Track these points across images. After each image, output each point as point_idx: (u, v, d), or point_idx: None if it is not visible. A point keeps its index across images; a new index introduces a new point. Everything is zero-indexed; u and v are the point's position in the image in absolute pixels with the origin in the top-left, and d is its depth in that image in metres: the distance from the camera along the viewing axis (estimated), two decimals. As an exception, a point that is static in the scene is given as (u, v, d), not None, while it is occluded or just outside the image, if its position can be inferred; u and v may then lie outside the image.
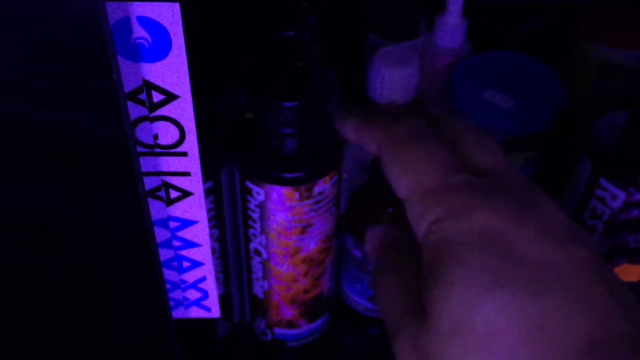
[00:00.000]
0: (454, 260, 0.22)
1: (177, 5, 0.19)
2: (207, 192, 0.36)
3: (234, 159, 0.36)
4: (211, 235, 0.38)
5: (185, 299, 0.30)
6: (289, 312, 0.43)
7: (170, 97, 0.22)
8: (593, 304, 0.21)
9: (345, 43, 0.55)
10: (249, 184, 0.36)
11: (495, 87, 0.49)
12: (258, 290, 0.42)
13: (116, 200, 0.21)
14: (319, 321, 0.45)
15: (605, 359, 0.20)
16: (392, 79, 0.49)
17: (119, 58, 0.20)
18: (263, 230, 0.38)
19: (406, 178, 0.25)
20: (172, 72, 0.21)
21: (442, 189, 0.24)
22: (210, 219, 0.37)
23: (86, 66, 0.18)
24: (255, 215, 0.37)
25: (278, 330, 0.44)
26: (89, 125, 0.19)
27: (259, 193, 0.36)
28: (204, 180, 0.35)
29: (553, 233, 0.22)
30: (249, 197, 0.37)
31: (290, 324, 0.44)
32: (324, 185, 0.36)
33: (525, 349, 0.21)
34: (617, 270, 0.40)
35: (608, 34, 0.52)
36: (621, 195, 0.36)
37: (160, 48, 0.20)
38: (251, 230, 0.38)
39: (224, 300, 0.43)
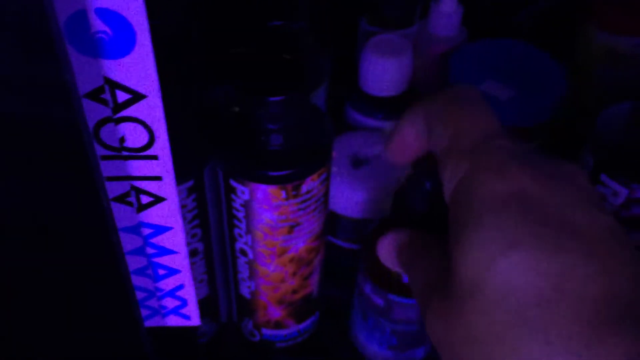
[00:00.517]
0: (476, 219, 0.22)
1: (139, -4, 0.17)
2: (189, 191, 0.34)
3: (217, 156, 0.34)
4: (194, 235, 0.37)
5: (162, 307, 0.28)
6: (277, 313, 0.41)
7: (136, 96, 0.20)
8: (612, 267, 0.21)
9: (337, 30, 0.53)
10: (233, 182, 0.34)
11: (494, 77, 0.47)
12: (245, 290, 0.40)
13: (77, 205, 0.20)
14: (308, 321, 0.43)
15: (618, 322, 0.20)
16: (385, 69, 0.47)
17: (77, 54, 0.18)
18: (249, 230, 0.36)
19: (446, 132, 0.24)
20: (137, 69, 0.19)
21: (478, 149, 0.23)
22: (192, 219, 0.36)
23: (36, 66, 0.16)
24: (240, 215, 0.36)
25: (266, 331, 0.42)
26: (43, 126, 0.18)
27: (243, 192, 0.34)
28: (186, 179, 0.34)
29: (581, 200, 0.22)
30: (233, 196, 0.35)
31: (278, 325, 0.42)
32: (311, 183, 0.34)
33: (539, 307, 0.20)
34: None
35: (611, 21, 0.50)
36: (623, 192, 0.35)
37: (123, 43, 0.19)
38: (236, 230, 0.37)
39: (209, 301, 0.41)
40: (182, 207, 0.34)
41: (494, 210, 0.22)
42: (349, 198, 0.46)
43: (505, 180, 0.22)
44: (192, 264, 0.38)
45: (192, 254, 0.37)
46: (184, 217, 0.35)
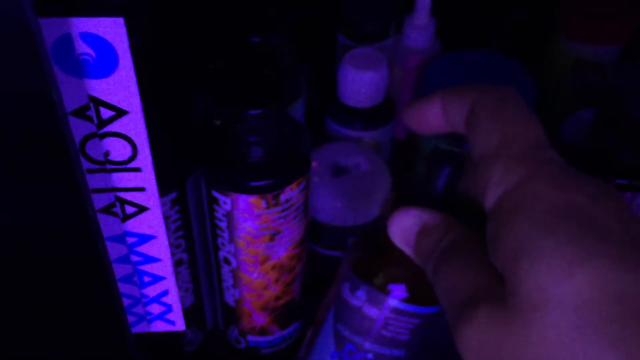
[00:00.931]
0: (541, 230, 0.21)
1: (120, 20, 0.19)
2: (172, 203, 0.35)
3: (199, 168, 0.36)
4: (178, 246, 0.38)
5: (148, 313, 0.29)
6: (261, 320, 0.42)
7: (119, 112, 0.21)
8: None
9: (316, 45, 0.55)
10: (215, 193, 0.35)
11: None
12: (229, 298, 0.41)
13: (65, 216, 0.21)
14: (292, 328, 0.44)
15: None
16: (362, 82, 0.49)
17: (63, 75, 0.20)
18: (231, 239, 0.37)
19: (495, 132, 0.24)
20: (120, 87, 0.20)
21: (533, 158, 0.23)
22: (177, 229, 0.37)
23: (25, 85, 0.17)
24: (223, 225, 0.37)
25: (251, 338, 0.44)
26: (32, 142, 0.19)
27: (225, 202, 0.35)
28: (169, 191, 0.35)
29: (629, 216, 0.22)
30: (215, 207, 0.36)
31: (263, 331, 0.43)
32: (291, 193, 0.36)
33: (618, 321, 0.20)
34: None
35: (582, 31, 0.52)
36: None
37: (106, 64, 0.20)
38: (219, 239, 0.38)
39: (195, 309, 0.42)
40: (166, 218, 0.36)
41: (559, 222, 0.21)
42: (330, 206, 0.47)
43: (566, 192, 0.22)
44: (177, 273, 0.39)
45: (177, 263, 0.39)
46: (168, 228, 0.36)
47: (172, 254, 0.38)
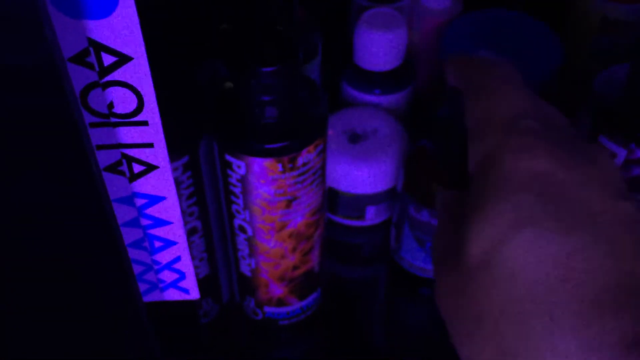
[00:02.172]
0: (495, 195, 0.22)
1: (120, -48, 0.17)
2: (184, 167, 0.34)
3: (212, 130, 0.34)
4: (192, 214, 0.36)
5: (161, 280, 0.28)
6: (279, 290, 0.41)
7: (122, 59, 0.20)
8: (623, 253, 0.21)
9: (330, 5, 0.52)
10: (228, 157, 0.34)
11: (489, 48, 0.47)
12: (245, 268, 0.40)
13: (67, 177, 0.19)
14: (311, 298, 0.43)
15: (621, 305, 0.20)
16: (379, 44, 0.47)
17: (60, 15, 0.18)
18: (246, 206, 0.36)
19: (478, 105, 0.25)
20: (121, 29, 0.19)
21: (507, 127, 0.24)
22: (189, 196, 0.35)
23: (16, 29, 0.16)
24: (237, 190, 0.35)
25: (268, 309, 0.42)
26: (26, 95, 0.17)
27: (239, 166, 0.34)
28: (180, 155, 0.33)
29: (602, 185, 0.22)
30: (229, 172, 0.35)
31: (280, 302, 0.42)
32: (308, 156, 0.34)
33: (546, 286, 0.21)
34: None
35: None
36: (622, 153, 0.34)
37: (105, 2, 0.18)
38: (234, 206, 0.36)
39: (210, 280, 0.41)
40: (178, 183, 0.34)
41: (514, 187, 0.22)
42: (347, 174, 0.46)
43: (529, 160, 0.22)
44: (191, 242, 0.38)
45: (191, 232, 0.37)
46: (180, 195, 0.35)
47: (185, 222, 0.36)
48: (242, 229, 0.37)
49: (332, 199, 0.48)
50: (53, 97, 0.18)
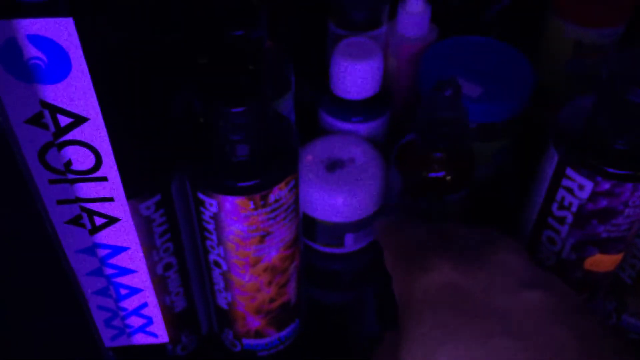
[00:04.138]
0: (415, 315, 0.25)
1: (70, 21, 0.17)
2: (157, 206, 0.34)
3: (184, 168, 0.34)
4: (167, 250, 0.37)
5: (128, 326, 0.28)
6: (256, 322, 0.41)
7: (78, 119, 0.20)
8: (535, 343, 0.23)
9: (304, 34, 0.53)
10: (200, 195, 0.34)
11: (464, 75, 0.47)
12: (222, 301, 0.40)
13: (23, 231, 0.20)
14: (289, 328, 0.43)
15: None
16: (355, 73, 0.47)
17: (14, 81, 0.18)
18: (220, 242, 0.36)
19: (394, 249, 0.29)
20: (76, 92, 0.19)
21: (417, 254, 0.27)
22: (163, 233, 0.36)
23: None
24: (211, 227, 0.35)
25: (247, 341, 0.42)
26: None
27: (211, 204, 0.34)
28: (152, 193, 0.34)
29: (505, 282, 0.24)
30: (202, 209, 0.35)
31: (258, 334, 0.42)
32: (279, 192, 0.34)
33: None
34: (589, 261, 0.38)
35: (579, 13, 0.51)
36: (588, 186, 0.35)
37: (58, 68, 0.19)
38: (208, 242, 0.37)
39: (188, 313, 0.41)
40: (151, 221, 0.34)
41: (427, 307, 0.25)
42: (324, 203, 0.46)
43: (433, 276, 0.25)
44: (166, 278, 0.38)
45: (166, 267, 0.37)
46: (153, 232, 0.35)
47: (160, 259, 0.36)
48: (217, 264, 0.38)
49: (310, 227, 0.48)
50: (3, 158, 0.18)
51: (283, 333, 0.43)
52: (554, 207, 0.37)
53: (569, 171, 0.35)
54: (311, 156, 0.47)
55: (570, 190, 0.35)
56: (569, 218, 0.36)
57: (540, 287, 0.24)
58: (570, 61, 0.53)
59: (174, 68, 0.36)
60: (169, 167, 0.34)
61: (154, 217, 0.34)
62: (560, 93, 0.54)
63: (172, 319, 0.40)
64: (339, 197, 0.46)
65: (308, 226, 0.48)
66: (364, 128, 0.50)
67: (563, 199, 0.36)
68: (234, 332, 0.42)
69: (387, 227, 0.32)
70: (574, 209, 0.36)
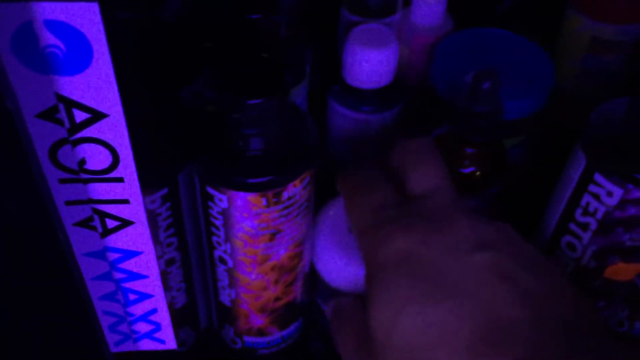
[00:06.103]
0: (376, 285, 0.27)
1: (95, 6, 0.15)
2: (163, 200, 0.32)
3: (193, 161, 0.32)
4: (170, 244, 0.35)
5: (135, 332, 0.26)
6: (259, 321, 0.39)
7: (96, 115, 0.18)
8: (486, 298, 0.24)
9: (317, 21, 0.51)
10: (209, 189, 0.32)
11: (479, 66, 0.46)
12: (225, 298, 0.38)
13: (29, 230, 0.18)
14: (292, 327, 0.42)
15: (496, 344, 0.24)
16: (370, 62, 0.45)
17: (27, 71, 0.16)
18: (228, 239, 0.34)
19: (353, 219, 0.30)
20: (96, 86, 0.17)
21: (374, 224, 0.28)
22: (168, 227, 0.34)
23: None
24: (219, 223, 0.34)
25: (248, 339, 0.41)
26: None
27: (221, 200, 0.32)
28: (159, 187, 0.32)
29: (458, 246, 0.26)
30: (210, 204, 0.33)
31: (261, 332, 0.40)
32: (294, 190, 0.32)
33: (430, 350, 0.25)
34: (610, 270, 0.37)
35: (597, 8, 0.49)
36: (618, 193, 0.33)
37: (78, 58, 0.16)
38: (215, 238, 0.35)
39: (188, 309, 0.39)
40: (156, 215, 0.32)
41: (387, 274, 0.26)
42: (341, 270, 0.37)
43: (390, 244, 0.27)
44: (168, 273, 0.36)
45: (169, 263, 0.35)
46: (158, 226, 0.33)
47: (163, 253, 0.34)
48: (223, 261, 0.36)
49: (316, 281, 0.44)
50: (13, 154, 0.16)
51: (286, 332, 0.41)
52: (578, 212, 0.35)
53: (598, 177, 0.33)
54: (335, 213, 0.38)
55: (597, 197, 0.34)
56: (593, 225, 0.35)
57: (491, 248, 0.26)
58: (586, 57, 0.52)
59: (184, 55, 0.34)
60: (177, 159, 0.32)
61: (159, 211, 0.32)
62: (573, 89, 0.53)
63: (172, 315, 0.38)
64: (357, 267, 0.37)
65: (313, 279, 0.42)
66: (375, 119, 0.48)
67: (588, 204, 0.35)
68: (235, 329, 0.40)
69: (345, 177, 0.32)
70: (599, 215, 0.34)
